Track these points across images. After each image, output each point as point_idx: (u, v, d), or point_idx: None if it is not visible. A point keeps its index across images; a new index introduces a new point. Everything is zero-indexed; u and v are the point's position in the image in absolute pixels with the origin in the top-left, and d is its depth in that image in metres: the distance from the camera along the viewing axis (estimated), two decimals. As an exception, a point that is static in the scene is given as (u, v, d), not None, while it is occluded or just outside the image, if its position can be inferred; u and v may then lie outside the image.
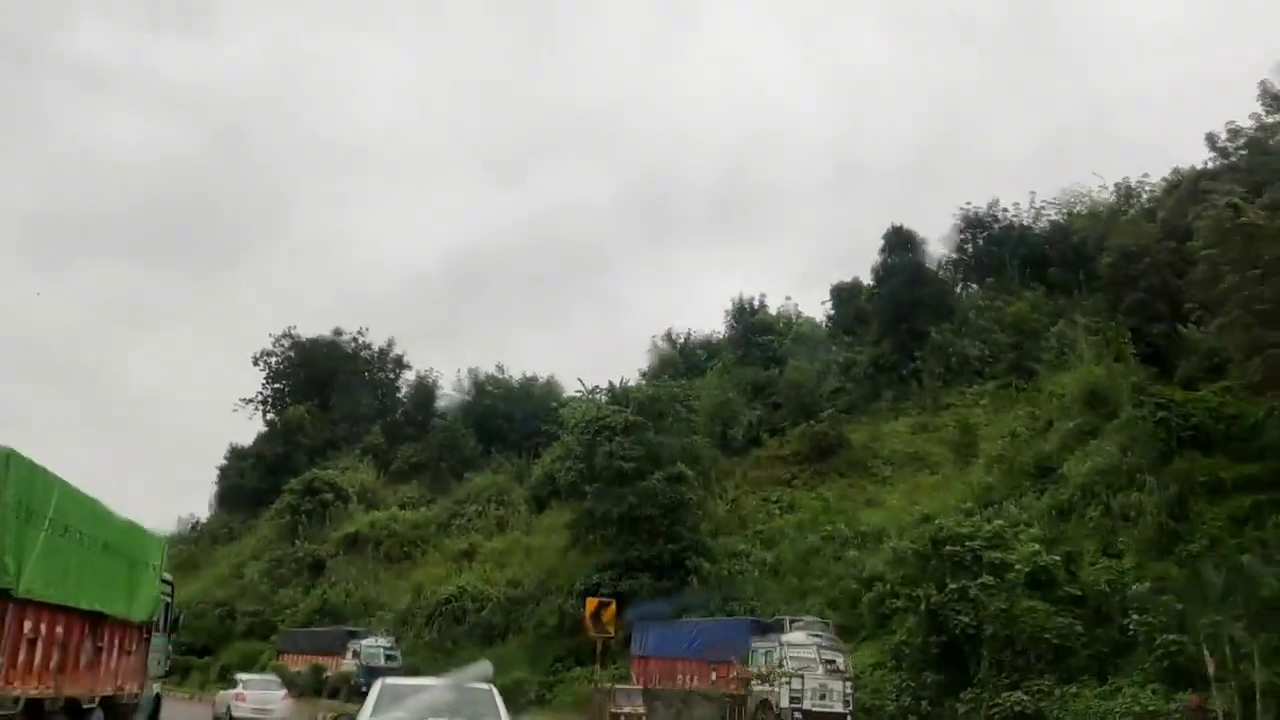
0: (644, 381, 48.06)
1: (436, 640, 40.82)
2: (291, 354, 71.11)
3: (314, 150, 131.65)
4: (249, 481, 65.76)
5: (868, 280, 49.07)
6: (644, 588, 35.35)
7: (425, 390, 69.15)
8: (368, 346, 72.78)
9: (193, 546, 67.78)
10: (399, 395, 72.06)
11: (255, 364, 70.54)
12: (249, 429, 73.17)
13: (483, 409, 64.24)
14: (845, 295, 51.04)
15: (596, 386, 45.35)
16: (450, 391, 67.52)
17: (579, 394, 48.68)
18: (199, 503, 78.07)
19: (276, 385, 71.11)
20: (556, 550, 42.65)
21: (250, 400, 70.12)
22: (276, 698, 27.76)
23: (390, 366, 72.76)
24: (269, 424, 69.34)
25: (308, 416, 66.51)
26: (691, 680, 27.29)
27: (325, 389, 69.55)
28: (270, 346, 70.95)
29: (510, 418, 62.42)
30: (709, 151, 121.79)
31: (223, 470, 69.61)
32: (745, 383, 49.19)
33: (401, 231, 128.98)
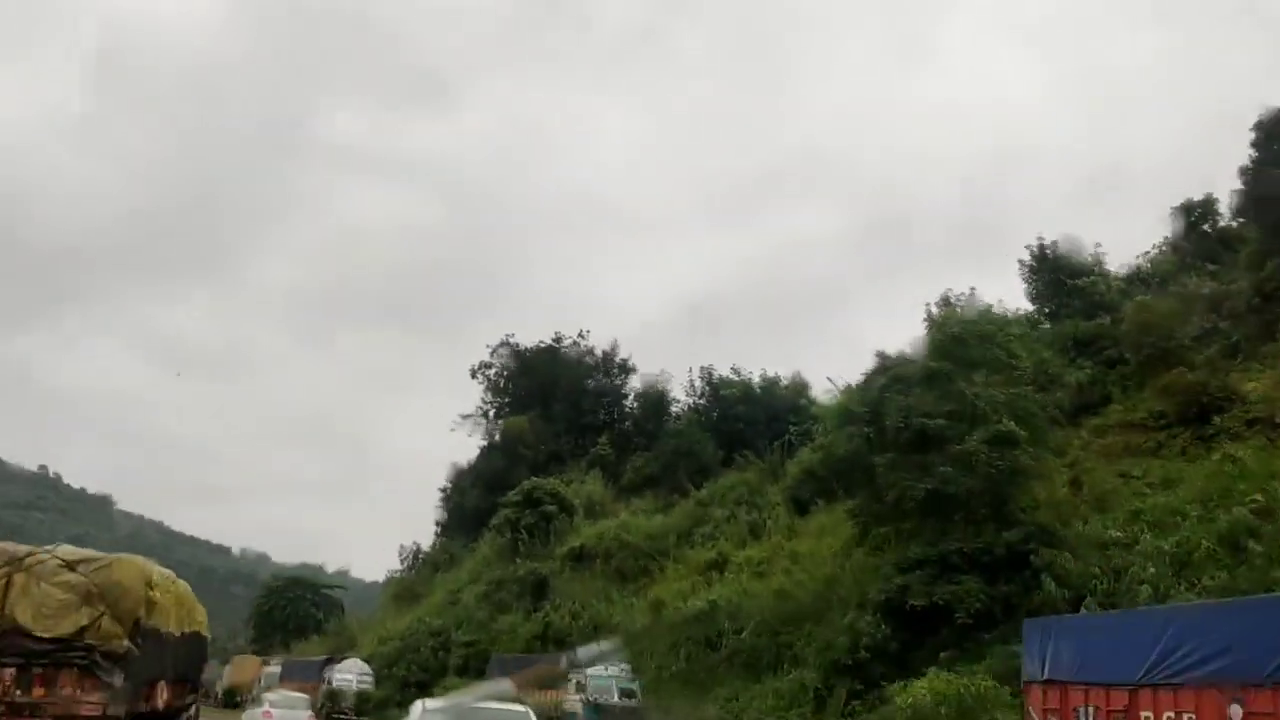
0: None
1: (686, 670, 31.49)
2: (511, 364, 64.96)
3: (551, 207, 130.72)
4: (469, 501, 59.79)
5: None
6: (972, 594, 24.73)
7: (655, 396, 60.99)
8: (590, 351, 65.61)
9: (413, 575, 62.68)
10: (626, 404, 64.27)
11: (473, 376, 64.89)
12: (469, 448, 67.88)
13: (721, 412, 55.53)
14: (1197, 214, 38.32)
15: (849, 384, 35.24)
16: (683, 397, 59.30)
17: (829, 394, 38.89)
18: (424, 532, 73.89)
19: (496, 399, 65.09)
20: (833, 553, 32.54)
21: (469, 416, 64.45)
22: (302, 717, 29.01)
23: (616, 372, 65.11)
24: (487, 440, 63.27)
25: (528, 427, 59.76)
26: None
27: (547, 399, 62.79)
28: (488, 358, 65.21)
29: (752, 420, 53.20)
30: (947, 175, 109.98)
31: (444, 493, 64.32)
32: (1064, 338, 37.43)
33: (635, 278, 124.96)
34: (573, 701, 29.34)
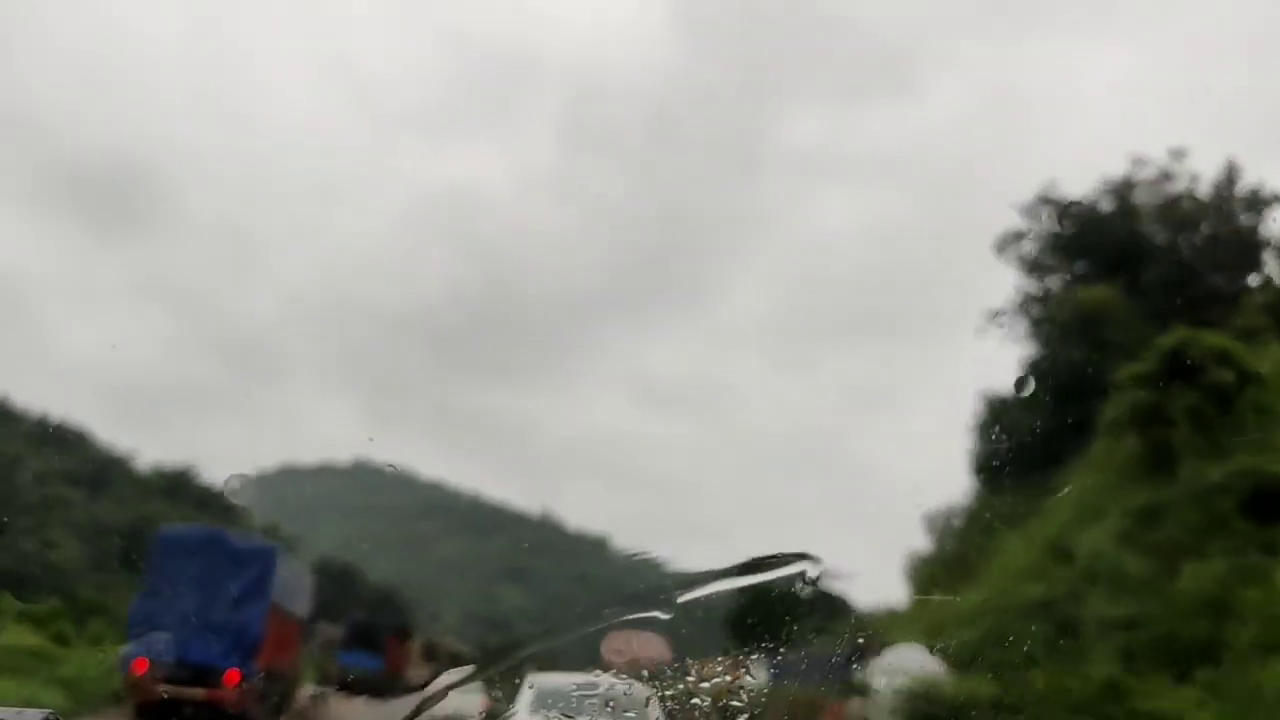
0: None
1: None
2: (1062, 227, 42.65)
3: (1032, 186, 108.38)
4: (1025, 426, 38.55)
5: None
6: None
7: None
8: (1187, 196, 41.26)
9: (949, 547, 43.08)
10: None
11: (999, 253, 43.32)
12: (1001, 373, 46.66)
13: None
14: None
15: None
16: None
17: None
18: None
19: (1043, 275, 43.02)
20: None
21: (999, 315, 42.79)
22: None
23: (1240, 209, 40.18)
24: (1045, 334, 41.17)
25: (1111, 300, 37.16)
26: None
27: (1126, 266, 39.78)
28: (1021, 227, 43.38)
29: None
30: None
31: (982, 432, 43.40)
32: None
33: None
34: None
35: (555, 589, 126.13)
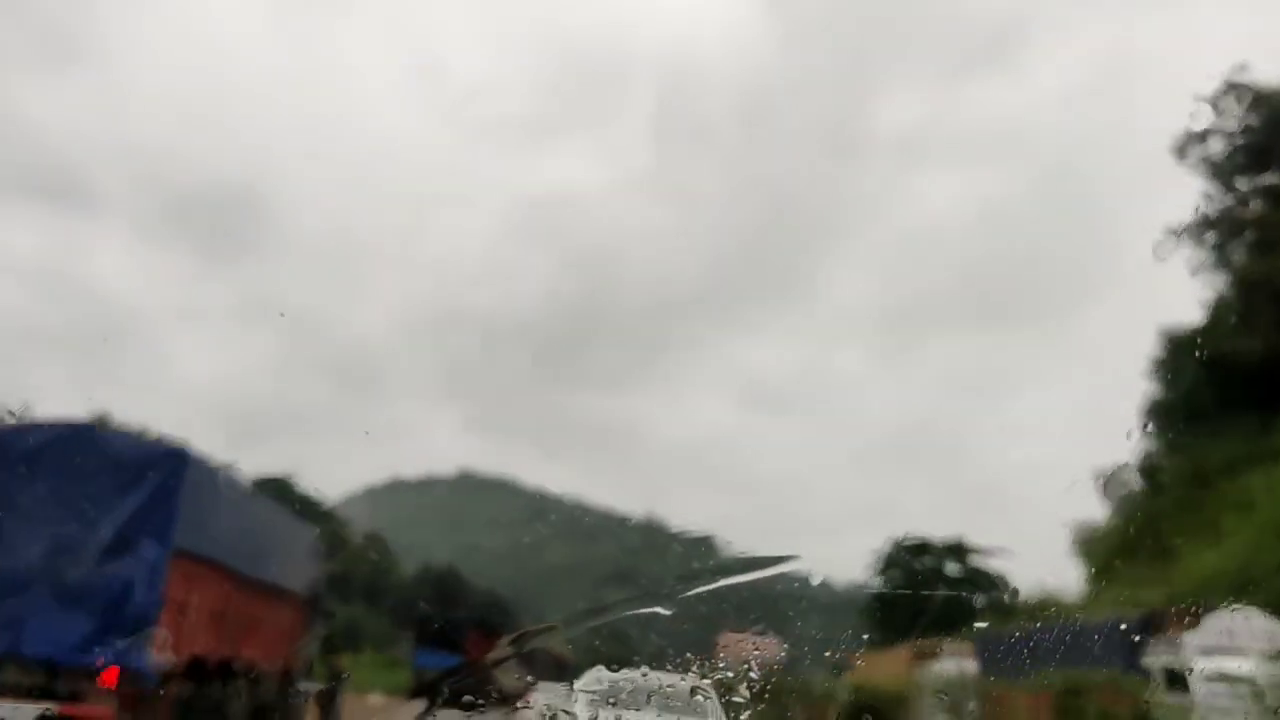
0: None
1: None
2: (1252, 122, 35.39)
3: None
4: (1224, 368, 31.69)
5: None
6: None
7: None
8: None
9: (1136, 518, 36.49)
10: None
11: (1180, 157, 36.17)
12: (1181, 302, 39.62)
13: None
14: None
15: None
16: None
17: None
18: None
19: (1227, 180, 35.81)
20: None
21: (1181, 231, 35.76)
22: None
23: None
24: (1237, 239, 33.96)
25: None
26: None
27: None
28: (1208, 124, 36.18)
29: None
30: None
31: (1159, 371, 36.44)
32: None
33: None
34: None
35: (663, 589, 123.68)
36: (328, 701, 17.46)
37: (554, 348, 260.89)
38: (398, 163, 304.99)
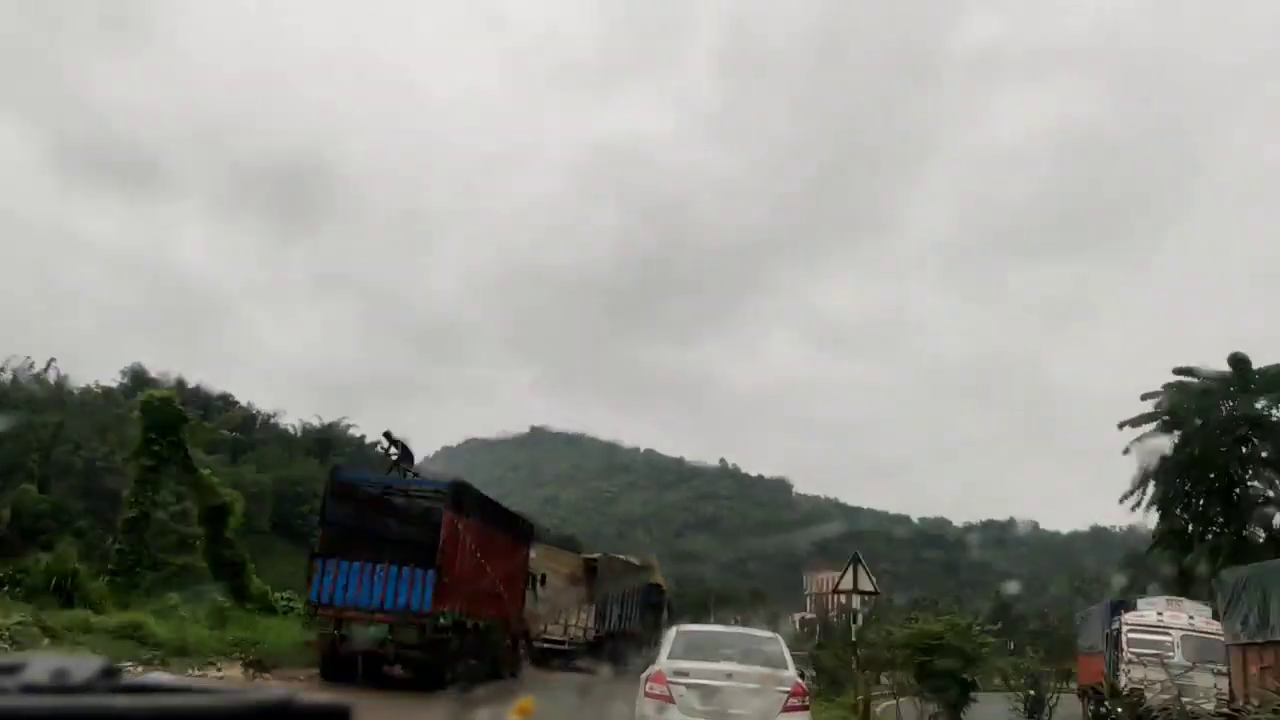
0: None
1: None
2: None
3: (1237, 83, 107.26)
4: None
5: None
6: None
7: None
8: None
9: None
10: None
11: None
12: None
13: None
14: None
15: None
16: None
17: None
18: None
19: None
20: None
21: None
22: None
23: None
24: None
25: None
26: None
27: None
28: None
29: None
30: None
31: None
32: None
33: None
34: None
35: (742, 534, 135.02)
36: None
37: (625, 301, 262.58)
38: (463, 124, 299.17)
